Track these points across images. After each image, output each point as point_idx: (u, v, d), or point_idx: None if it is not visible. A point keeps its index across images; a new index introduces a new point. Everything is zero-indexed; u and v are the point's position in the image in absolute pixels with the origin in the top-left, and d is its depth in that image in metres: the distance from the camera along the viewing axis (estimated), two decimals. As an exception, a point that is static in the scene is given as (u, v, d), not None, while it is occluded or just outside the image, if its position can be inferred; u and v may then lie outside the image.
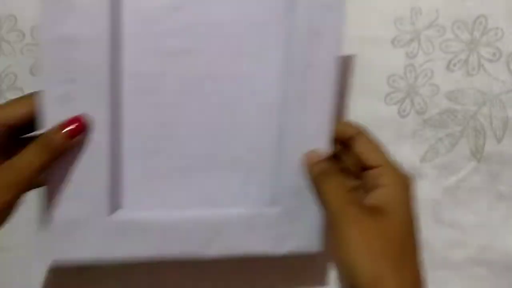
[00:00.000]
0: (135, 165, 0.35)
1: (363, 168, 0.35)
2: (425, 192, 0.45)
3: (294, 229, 0.36)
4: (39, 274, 0.44)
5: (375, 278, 0.30)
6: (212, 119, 0.35)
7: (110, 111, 0.33)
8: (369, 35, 0.46)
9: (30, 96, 0.33)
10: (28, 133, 0.34)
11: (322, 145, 0.35)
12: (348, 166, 0.37)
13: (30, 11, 0.47)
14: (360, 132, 0.36)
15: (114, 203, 0.35)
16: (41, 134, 0.32)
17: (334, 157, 0.37)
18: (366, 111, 0.46)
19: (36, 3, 0.47)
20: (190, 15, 0.34)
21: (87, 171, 0.33)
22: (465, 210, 0.45)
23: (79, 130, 0.32)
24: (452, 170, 0.45)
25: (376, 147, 0.35)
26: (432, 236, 0.45)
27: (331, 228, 0.33)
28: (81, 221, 0.34)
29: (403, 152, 0.45)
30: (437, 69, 0.46)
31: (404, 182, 0.34)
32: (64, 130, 0.31)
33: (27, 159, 0.30)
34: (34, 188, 0.33)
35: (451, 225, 0.45)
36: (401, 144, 0.45)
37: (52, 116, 0.32)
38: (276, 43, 0.35)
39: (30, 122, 0.32)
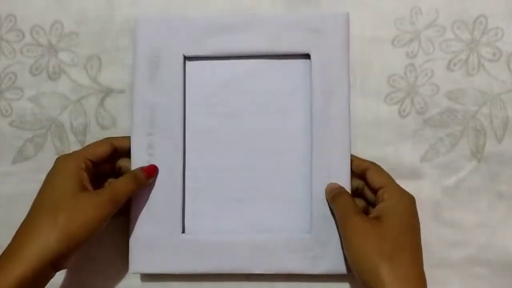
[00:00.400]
0: (197, 197, 0.45)
1: (374, 192, 0.42)
2: (425, 192, 0.45)
3: (325, 253, 0.43)
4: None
5: (372, 269, 0.36)
6: (255, 162, 0.45)
7: (181, 156, 0.44)
8: (369, 35, 0.46)
9: (106, 140, 0.42)
10: (103, 168, 0.43)
11: (344, 180, 0.43)
12: (368, 198, 0.43)
13: (30, 11, 0.47)
14: (371, 164, 0.42)
15: (183, 227, 0.44)
16: (131, 171, 0.42)
17: (356, 191, 0.43)
18: (366, 111, 0.46)
19: (36, 4, 0.47)
20: (236, 88, 0.45)
21: (164, 201, 0.43)
22: (465, 210, 0.45)
23: (153, 173, 0.43)
24: (452, 170, 0.45)
25: (383, 173, 0.42)
26: (432, 236, 0.45)
27: (341, 236, 0.41)
28: (158, 240, 0.43)
29: (403, 152, 0.45)
30: (437, 69, 0.45)
31: (402, 197, 0.40)
32: (144, 172, 0.42)
33: (122, 185, 0.40)
34: (118, 209, 0.40)
35: (451, 225, 0.45)
36: (401, 144, 0.45)
37: (139, 159, 0.43)
38: (300, 104, 0.45)
39: (105, 160, 0.42)
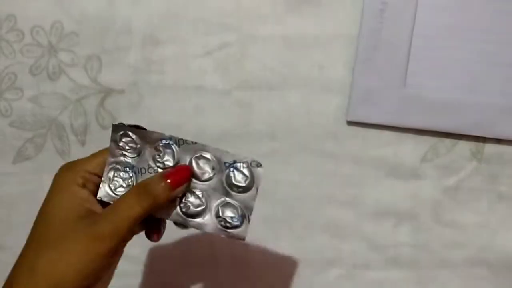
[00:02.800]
0: (422, 56, 0.43)
1: None
2: (425, 192, 0.45)
3: None
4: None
5: None
6: (494, 25, 0.42)
7: (413, 11, 0.42)
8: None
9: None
10: None
11: None
12: None
13: (30, 11, 0.47)
14: None
15: (404, 79, 0.43)
16: (140, 183, 0.29)
17: None
18: (367, 111, 0.46)
19: (36, 4, 0.47)
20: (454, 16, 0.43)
21: (390, 53, 0.43)
22: (465, 210, 0.45)
23: (182, 181, 0.29)
24: (453, 170, 0.45)
25: None
26: (432, 236, 0.45)
27: None
28: (378, 90, 0.43)
29: (404, 152, 0.45)
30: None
31: None
32: (168, 180, 0.28)
33: (127, 205, 0.28)
34: (136, 234, 0.30)
35: (451, 225, 0.45)
36: (401, 144, 0.45)
37: (371, 9, 0.42)
38: None
39: None
